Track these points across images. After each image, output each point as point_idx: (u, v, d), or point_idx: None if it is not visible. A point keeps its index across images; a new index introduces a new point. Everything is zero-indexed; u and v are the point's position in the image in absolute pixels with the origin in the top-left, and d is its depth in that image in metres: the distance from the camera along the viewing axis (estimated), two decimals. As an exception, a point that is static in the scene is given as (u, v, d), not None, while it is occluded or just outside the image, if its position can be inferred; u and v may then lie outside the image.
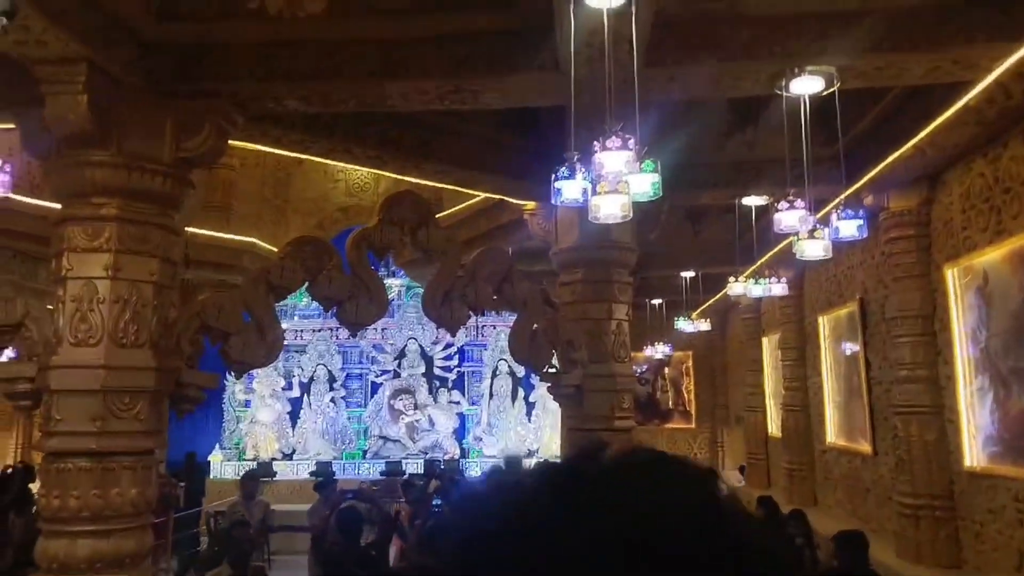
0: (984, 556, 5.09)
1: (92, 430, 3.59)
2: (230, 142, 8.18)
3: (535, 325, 5.55)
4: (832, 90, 3.86)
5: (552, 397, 6.10)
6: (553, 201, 3.03)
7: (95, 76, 3.55)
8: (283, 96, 4.04)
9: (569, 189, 2.98)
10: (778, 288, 5.85)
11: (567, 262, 6.00)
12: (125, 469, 3.66)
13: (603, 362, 5.80)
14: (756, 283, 5.99)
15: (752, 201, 6.20)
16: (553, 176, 3.01)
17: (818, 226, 3.70)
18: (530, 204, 6.09)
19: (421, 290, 19.26)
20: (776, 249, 6.99)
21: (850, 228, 3.63)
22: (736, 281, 6.23)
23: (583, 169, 2.95)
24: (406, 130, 5.02)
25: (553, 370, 5.79)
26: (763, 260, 6.81)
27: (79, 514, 3.53)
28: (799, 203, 3.66)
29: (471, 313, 5.33)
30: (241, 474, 9.62)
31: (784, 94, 3.92)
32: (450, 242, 5.29)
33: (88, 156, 3.75)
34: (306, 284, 4.69)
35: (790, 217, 3.70)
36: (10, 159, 5.20)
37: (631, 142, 2.72)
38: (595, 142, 2.76)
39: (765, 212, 6.47)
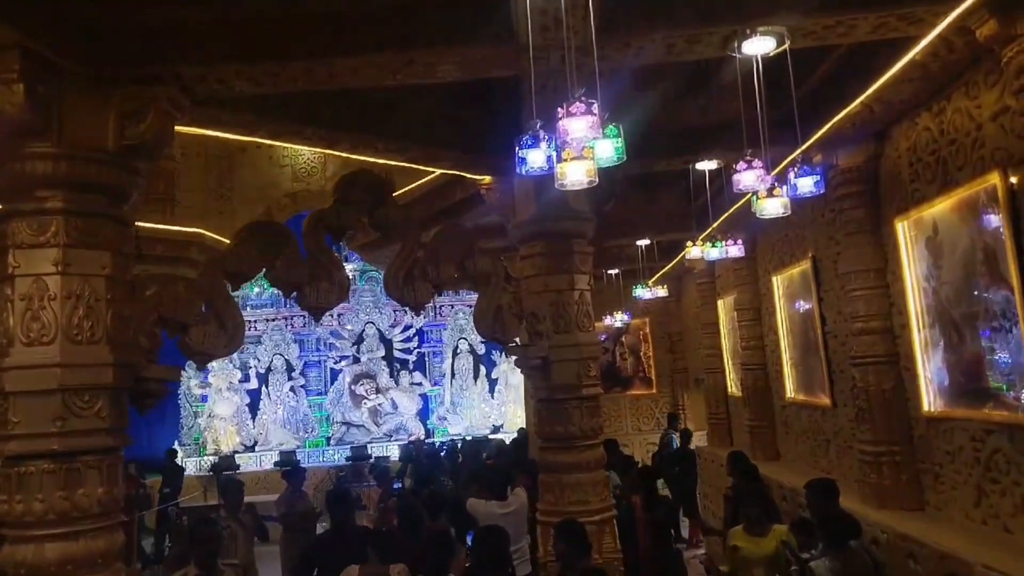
0: (944, 496, 5.29)
1: (53, 431, 3.48)
2: (176, 128, 7.93)
3: (499, 301, 5.56)
4: (783, 49, 3.90)
5: (520, 370, 6.12)
6: (518, 170, 3.01)
7: (30, 63, 3.39)
8: (230, 79, 3.91)
9: (534, 157, 2.96)
10: (735, 250, 5.94)
11: (526, 235, 5.99)
12: (90, 469, 3.55)
13: (568, 332, 5.83)
14: (713, 246, 6.06)
15: (705, 166, 6.26)
16: (516, 146, 2.98)
17: (776, 184, 3.75)
18: (487, 179, 6.05)
19: (377, 274, 19.30)
20: (730, 211, 7.09)
21: (807, 184, 3.70)
22: (693, 246, 6.30)
23: (546, 137, 2.93)
24: (358, 108, 4.92)
25: (517, 344, 5.81)
26: (717, 224, 6.90)
27: (45, 518, 3.43)
28: (757, 163, 3.71)
29: (434, 291, 5.29)
30: (220, 483, 9.12)
31: (737, 56, 3.94)
32: (409, 220, 5.24)
33: (29, 148, 3.59)
34: (263, 270, 4.59)
35: (749, 177, 3.74)
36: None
37: (594, 106, 2.71)
38: (559, 108, 2.73)
39: (718, 176, 6.56)
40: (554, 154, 2.93)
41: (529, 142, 2.92)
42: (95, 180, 3.73)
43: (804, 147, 4.87)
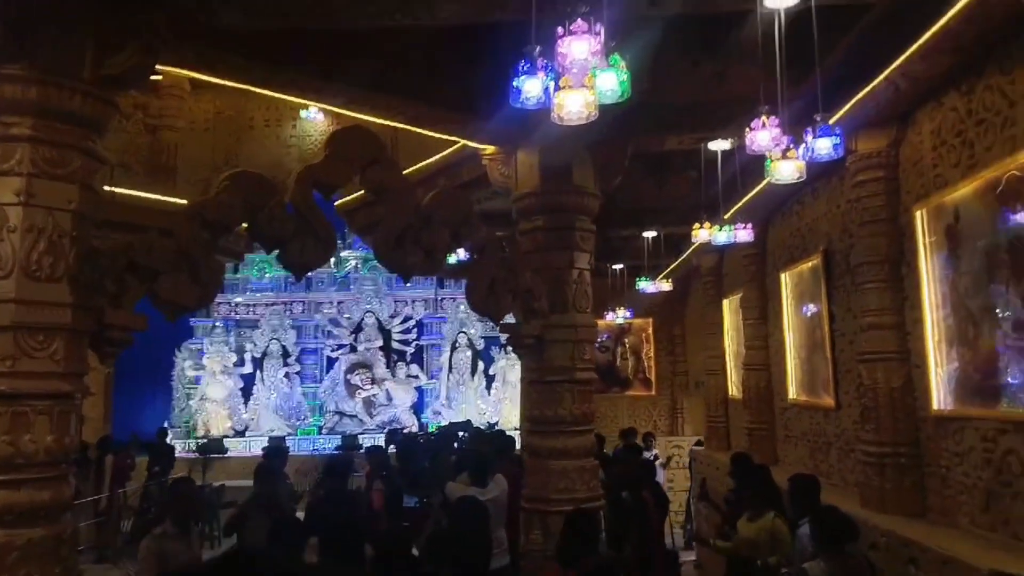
0: (950, 500, 5.00)
1: (2, 370, 3.22)
2: (175, 87, 7.65)
3: (493, 274, 5.30)
4: (808, 3, 3.65)
5: (511, 349, 5.87)
6: (512, 102, 2.75)
7: (-1, -23, 3.16)
8: (218, 8, 3.68)
9: (530, 87, 2.71)
10: (744, 234, 5.67)
11: (527, 209, 5.75)
12: (39, 414, 3.29)
13: (564, 312, 5.57)
14: (720, 230, 5.79)
15: (718, 145, 6.00)
16: (512, 74, 2.73)
17: (792, 146, 3.48)
18: (490, 148, 5.80)
19: (375, 265, 19.09)
20: (743, 201, 6.85)
21: (825, 146, 3.42)
22: (701, 227, 6.03)
23: (544, 64, 2.68)
24: (356, 61, 4.67)
25: (511, 321, 5.56)
26: (731, 214, 6.64)
27: (-14, 462, 3.18)
28: (773, 121, 3.45)
29: (426, 258, 5.03)
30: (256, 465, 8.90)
31: (759, 9, 3.69)
32: (403, 181, 4.99)
33: (-4, 68, 3.36)
34: (244, 223, 4.34)
35: (763, 137, 3.48)
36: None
37: (598, 27, 2.46)
38: (559, 28, 2.48)
39: (730, 158, 6.29)
40: (551, 86, 2.67)
41: (525, 68, 2.66)
42: (67, 109, 3.48)
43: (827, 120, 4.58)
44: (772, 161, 3.53)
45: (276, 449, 9.38)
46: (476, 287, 5.19)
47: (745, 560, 5.04)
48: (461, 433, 12.44)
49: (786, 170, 3.49)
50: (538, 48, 2.66)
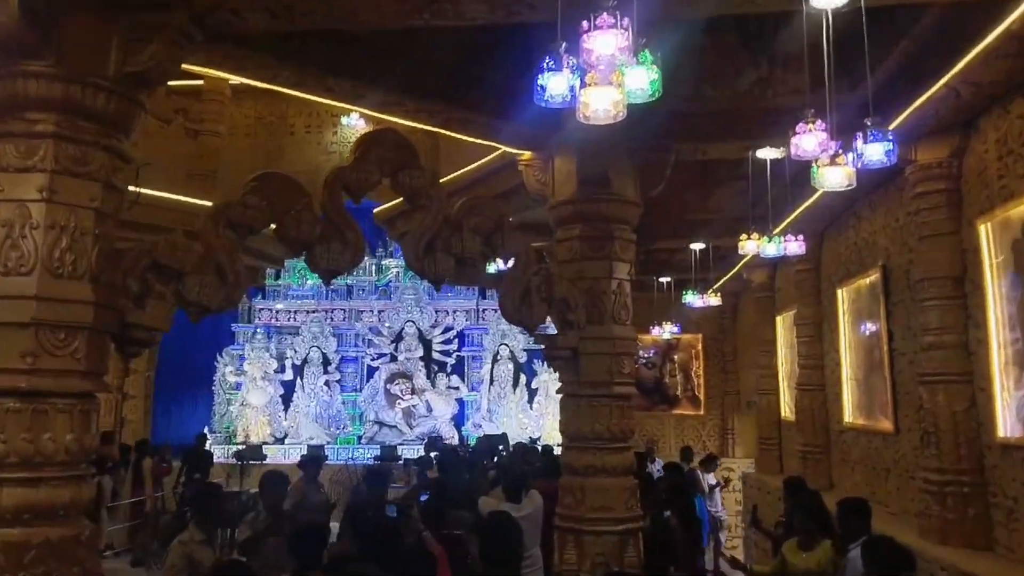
0: (1018, 536, 4.74)
1: (22, 367, 3.27)
2: (216, 92, 7.81)
3: (527, 283, 5.24)
4: (859, 3, 3.51)
5: (548, 362, 5.79)
6: (536, 100, 2.69)
7: (27, -26, 3.23)
8: (242, 8, 3.71)
9: (555, 84, 2.64)
10: (794, 247, 5.48)
11: (564, 217, 5.67)
12: (59, 412, 3.34)
13: (601, 324, 5.48)
14: (769, 241, 5.62)
15: (767, 154, 5.85)
16: (537, 71, 2.67)
17: (841, 151, 3.35)
18: (526, 154, 5.76)
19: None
20: (795, 214, 6.66)
21: (877, 152, 3.27)
22: (748, 238, 5.87)
23: (570, 62, 2.61)
24: (385, 61, 4.68)
25: (546, 332, 5.48)
26: (781, 228, 6.45)
27: (6, 459, 3.21)
28: (820, 124, 3.32)
29: (456, 265, 5.00)
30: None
31: (804, 9, 3.57)
32: (436, 187, 4.96)
33: (22, 66, 3.43)
34: (271, 225, 4.37)
35: (808, 141, 3.35)
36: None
37: (625, 21, 2.38)
38: (584, 22, 2.42)
39: (780, 167, 6.12)
40: (577, 83, 2.61)
41: (551, 65, 2.59)
42: (91, 106, 3.54)
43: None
44: (819, 167, 3.39)
45: (313, 458, 9.45)
46: (509, 295, 5.13)
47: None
48: (500, 447, 12.37)
49: (834, 177, 3.36)
50: (564, 44, 2.60)
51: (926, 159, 5.44)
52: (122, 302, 3.67)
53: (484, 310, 17.52)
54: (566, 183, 5.55)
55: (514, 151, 5.77)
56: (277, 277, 17.41)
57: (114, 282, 3.64)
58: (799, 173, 5.71)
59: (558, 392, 5.79)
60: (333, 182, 4.52)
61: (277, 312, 17.50)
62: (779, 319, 10.27)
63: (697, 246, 9.29)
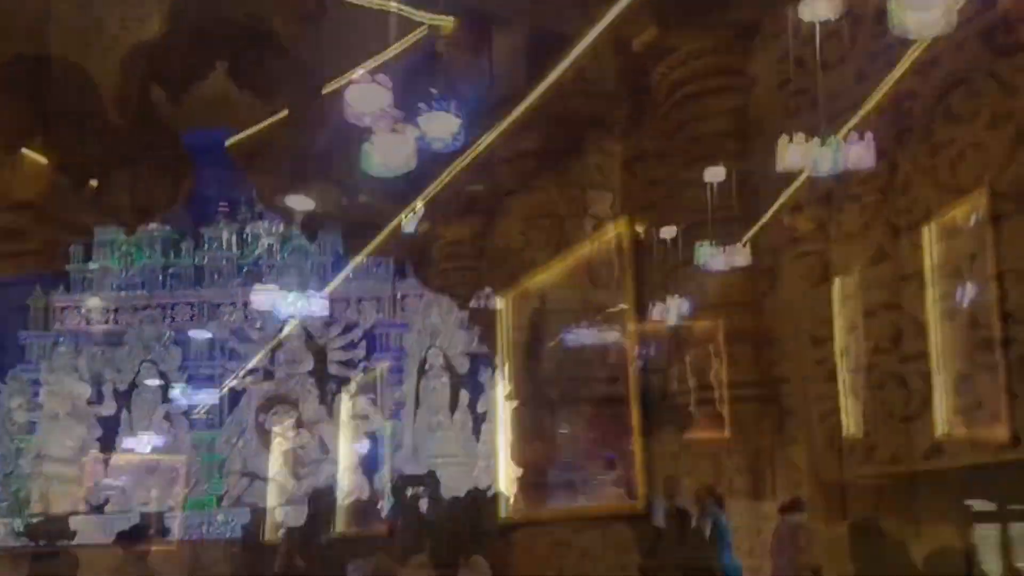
0: None
1: None
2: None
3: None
4: None
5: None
6: None
7: None
8: None
9: None
10: (861, 151, 5.31)
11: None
12: None
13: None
14: (823, 144, 5.51)
15: (812, 13, 5.72)
16: None
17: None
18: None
19: (301, 245, 19.23)
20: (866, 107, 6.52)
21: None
22: (790, 141, 5.79)
23: None
24: None
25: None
26: (844, 130, 6.34)
27: None
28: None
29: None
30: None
31: None
32: (300, 75, 4.67)
33: None
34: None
35: None
36: None
37: None
38: None
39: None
40: None
41: None
42: None
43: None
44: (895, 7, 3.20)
45: (134, 529, 9.19)
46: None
47: None
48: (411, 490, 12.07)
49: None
50: None
51: None
52: None
53: (404, 296, 17.26)
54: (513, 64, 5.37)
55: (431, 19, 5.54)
56: (87, 258, 16.79)
57: None
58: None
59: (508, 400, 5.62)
60: (132, 66, 4.21)
61: (88, 312, 17.01)
62: (836, 283, 10.26)
63: (715, 175, 9.43)
